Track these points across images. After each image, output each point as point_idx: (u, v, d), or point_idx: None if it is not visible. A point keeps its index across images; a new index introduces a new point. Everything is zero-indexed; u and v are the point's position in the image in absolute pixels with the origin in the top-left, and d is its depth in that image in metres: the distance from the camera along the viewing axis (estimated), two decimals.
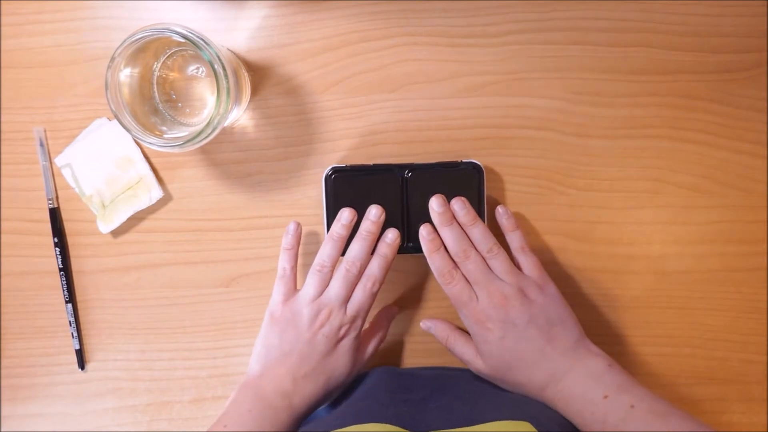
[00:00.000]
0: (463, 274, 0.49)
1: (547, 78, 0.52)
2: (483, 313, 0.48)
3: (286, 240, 0.50)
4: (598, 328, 0.55)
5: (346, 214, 0.50)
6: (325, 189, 0.51)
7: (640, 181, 0.53)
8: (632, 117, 0.52)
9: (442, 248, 0.50)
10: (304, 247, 0.54)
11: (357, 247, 0.49)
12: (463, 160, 0.51)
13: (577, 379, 0.46)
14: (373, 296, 0.50)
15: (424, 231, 0.50)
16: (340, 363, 0.49)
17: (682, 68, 0.52)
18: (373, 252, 0.50)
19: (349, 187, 0.50)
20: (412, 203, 0.51)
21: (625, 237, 0.54)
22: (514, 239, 0.51)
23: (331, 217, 0.51)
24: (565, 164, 0.53)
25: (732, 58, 0.52)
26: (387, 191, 0.51)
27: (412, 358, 0.56)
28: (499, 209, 0.51)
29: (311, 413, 0.50)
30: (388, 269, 0.50)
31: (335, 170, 0.50)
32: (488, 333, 0.48)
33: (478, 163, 0.51)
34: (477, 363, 0.50)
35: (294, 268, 0.50)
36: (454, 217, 0.50)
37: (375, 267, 0.49)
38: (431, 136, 0.53)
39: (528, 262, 0.50)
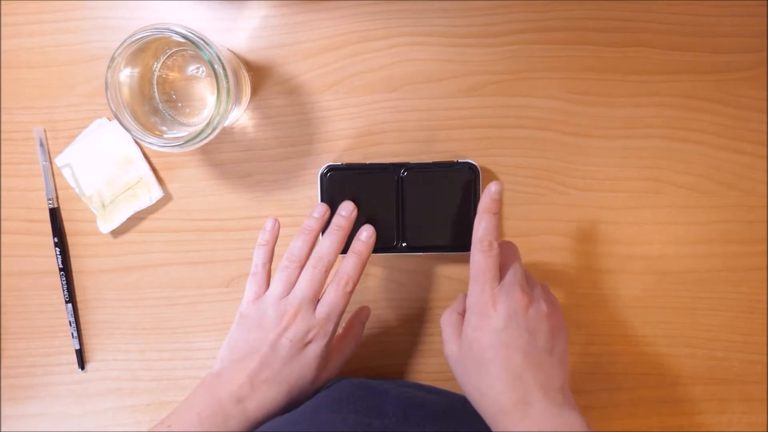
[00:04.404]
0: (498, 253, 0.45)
1: (547, 78, 0.52)
2: (496, 297, 0.43)
3: (262, 236, 0.48)
4: (598, 328, 0.55)
5: (319, 208, 0.48)
6: (320, 187, 0.51)
7: (640, 181, 0.53)
8: (632, 117, 0.52)
9: (498, 215, 0.46)
10: None
11: (326, 242, 0.47)
12: (459, 160, 0.51)
13: (547, 419, 0.40)
14: (347, 297, 0.46)
15: (495, 187, 0.46)
16: (306, 370, 0.45)
17: (682, 68, 0.52)
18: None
19: (344, 186, 0.50)
20: (407, 202, 0.51)
21: (625, 237, 0.54)
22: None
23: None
24: (565, 164, 0.53)
25: (732, 58, 0.52)
26: (382, 190, 0.51)
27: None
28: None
29: (266, 422, 0.45)
30: (363, 268, 0.47)
31: (331, 168, 0.51)
32: (487, 320, 0.43)
33: (474, 163, 0.51)
34: (452, 346, 0.45)
35: (267, 265, 0.48)
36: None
37: (349, 265, 0.46)
38: (431, 136, 0.53)
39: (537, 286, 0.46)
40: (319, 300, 0.46)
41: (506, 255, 0.46)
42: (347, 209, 0.49)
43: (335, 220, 0.48)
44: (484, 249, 0.44)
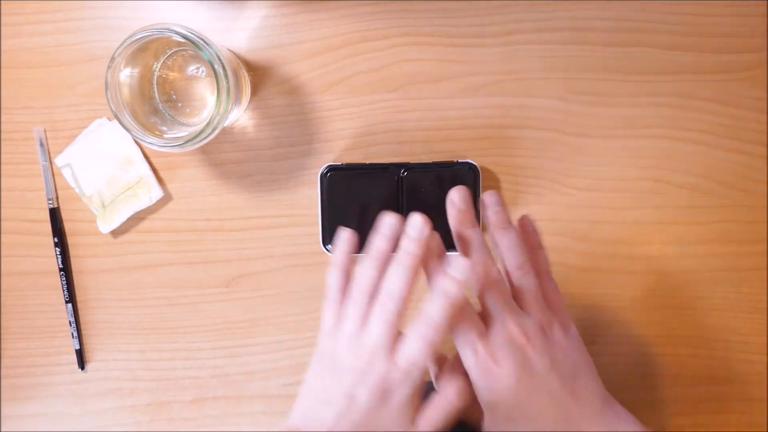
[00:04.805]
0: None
1: (547, 78, 0.52)
2: (494, 354, 0.38)
3: (335, 255, 0.42)
4: (598, 328, 0.55)
5: (389, 220, 0.40)
6: (320, 187, 0.51)
7: (640, 181, 0.53)
8: (632, 117, 0.52)
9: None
10: (305, 247, 0.54)
11: (395, 275, 0.39)
12: (459, 160, 0.51)
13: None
14: (432, 347, 0.38)
15: (489, 199, 0.41)
16: (393, 423, 0.38)
17: (682, 68, 0.52)
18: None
19: (344, 186, 0.51)
20: (407, 203, 0.51)
21: (625, 237, 0.54)
22: (537, 260, 0.42)
23: (325, 216, 0.51)
24: (565, 164, 0.53)
25: (732, 58, 0.52)
26: (382, 190, 0.51)
27: None
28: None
29: None
30: (453, 312, 0.38)
31: (331, 168, 0.51)
32: (495, 381, 0.38)
33: (474, 163, 0.51)
34: (478, 414, 0.40)
35: (343, 289, 0.41)
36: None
37: (436, 309, 0.38)
38: (431, 136, 0.53)
39: (553, 292, 0.42)
40: (398, 341, 0.39)
41: (491, 298, 0.40)
42: (416, 227, 0.39)
43: (404, 244, 0.39)
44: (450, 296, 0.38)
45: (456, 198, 0.42)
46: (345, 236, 0.42)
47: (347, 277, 0.41)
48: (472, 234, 0.42)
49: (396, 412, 0.38)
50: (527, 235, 0.43)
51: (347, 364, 0.39)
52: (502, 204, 0.41)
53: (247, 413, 0.56)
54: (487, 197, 0.42)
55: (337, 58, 0.52)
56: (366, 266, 0.40)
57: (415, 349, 0.38)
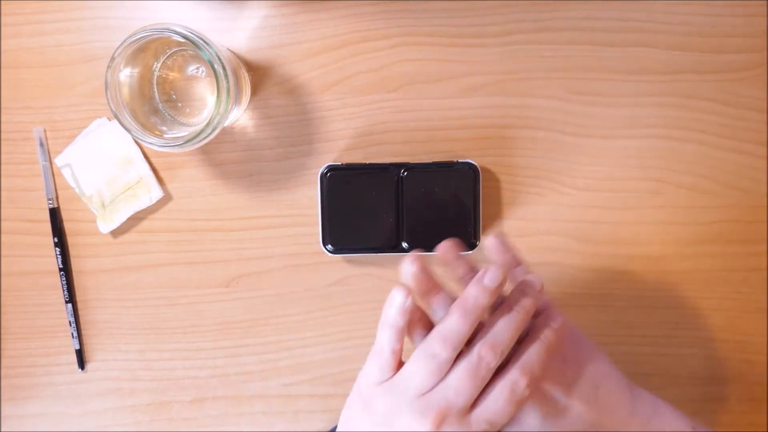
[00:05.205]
0: None
1: (547, 78, 0.52)
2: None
3: (392, 314, 0.35)
4: (598, 328, 0.55)
5: (492, 274, 0.34)
6: (320, 187, 0.51)
7: (640, 181, 0.53)
8: (632, 117, 0.52)
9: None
10: (305, 247, 0.54)
11: (503, 327, 0.34)
12: (459, 160, 0.51)
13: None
14: (519, 407, 0.34)
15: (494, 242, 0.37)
16: None
17: (683, 68, 0.52)
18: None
19: (344, 186, 0.51)
20: (407, 202, 0.51)
21: (625, 237, 0.54)
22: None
23: (325, 216, 0.51)
24: (565, 164, 0.53)
25: (732, 58, 0.52)
26: (382, 190, 0.51)
27: None
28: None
29: None
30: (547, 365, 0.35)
31: (331, 168, 0.51)
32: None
33: (474, 163, 0.51)
34: None
35: (396, 351, 0.35)
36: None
37: (533, 357, 0.34)
38: (431, 136, 0.53)
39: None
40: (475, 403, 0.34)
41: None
42: (533, 283, 0.35)
43: (512, 294, 0.35)
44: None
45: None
46: (402, 298, 0.35)
47: (401, 340, 0.36)
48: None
49: None
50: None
51: (407, 424, 0.33)
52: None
53: (247, 413, 0.56)
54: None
55: (337, 58, 0.52)
56: (459, 317, 0.34)
57: (498, 408, 0.33)
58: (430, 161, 0.51)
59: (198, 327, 0.55)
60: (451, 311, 0.34)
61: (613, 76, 0.52)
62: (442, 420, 0.33)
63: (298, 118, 0.53)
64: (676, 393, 0.55)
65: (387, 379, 0.35)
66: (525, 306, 0.35)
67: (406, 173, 0.51)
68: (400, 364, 0.35)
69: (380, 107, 0.52)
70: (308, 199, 0.54)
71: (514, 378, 0.33)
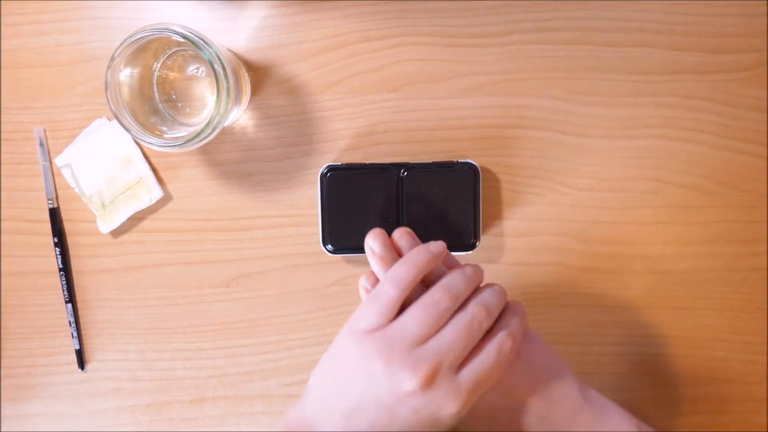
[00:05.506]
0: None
1: (547, 78, 0.52)
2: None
3: (374, 244, 0.38)
4: (598, 328, 0.55)
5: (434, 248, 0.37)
6: (320, 187, 0.51)
7: (640, 181, 0.53)
8: (632, 117, 0.52)
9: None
10: (305, 247, 0.54)
11: (491, 291, 0.37)
12: (459, 160, 0.51)
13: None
14: (506, 367, 0.35)
15: (398, 235, 0.39)
16: None
17: (682, 68, 0.52)
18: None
19: (344, 186, 0.51)
20: (407, 202, 0.51)
21: (625, 237, 0.54)
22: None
23: (325, 216, 0.51)
24: (565, 164, 0.53)
25: (732, 58, 0.52)
26: (382, 190, 0.51)
27: None
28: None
29: None
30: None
31: (331, 168, 0.51)
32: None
33: (474, 163, 0.51)
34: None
35: (406, 291, 0.36)
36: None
37: (515, 325, 0.36)
38: (431, 136, 0.53)
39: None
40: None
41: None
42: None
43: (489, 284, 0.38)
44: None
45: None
46: (376, 231, 0.39)
47: (416, 282, 0.36)
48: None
49: None
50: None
51: (396, 374, 0.33)
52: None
53: (247, 413, 0.56)
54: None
55: (337, 58, 0.52)
56: (463, 274, 0.36)
57: (487, 366, 0.34)
58: (430, 161, 0.51)
59: (198, 327, 0.55)
60: (456, 270, 0.37)
61: (613, 76, 0.52)
62: (433, 375, 0.32)
63: (298, 118, 0.53)
64: (676, 393, 0.55)
65: (381, 326, 0.34)
66: (503, 289, 0.38)
67: (406, 173, 0.51)
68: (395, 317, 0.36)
69: (380, 107, 0.52)
70: (308, 199, 0.54)
71: (502, 339, 0.35)
